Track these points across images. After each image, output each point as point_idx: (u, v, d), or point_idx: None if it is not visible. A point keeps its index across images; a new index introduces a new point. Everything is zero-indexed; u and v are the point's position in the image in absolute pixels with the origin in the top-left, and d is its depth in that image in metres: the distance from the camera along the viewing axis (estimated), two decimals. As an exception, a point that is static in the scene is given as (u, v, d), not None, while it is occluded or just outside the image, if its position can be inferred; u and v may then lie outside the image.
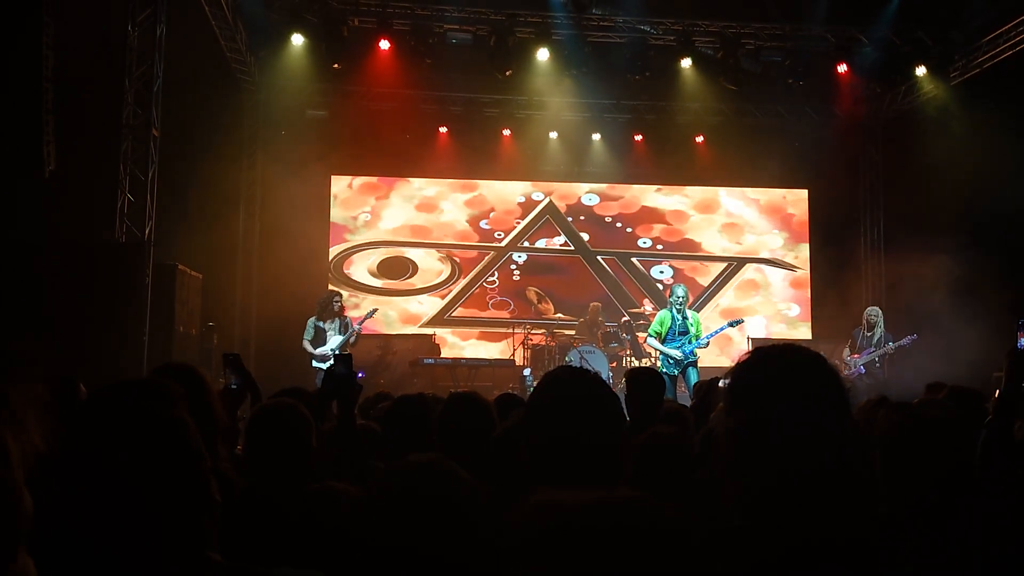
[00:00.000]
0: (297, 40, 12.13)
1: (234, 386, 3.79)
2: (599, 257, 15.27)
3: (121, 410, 1.57)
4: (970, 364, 10.47)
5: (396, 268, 14.80)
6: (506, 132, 14.74)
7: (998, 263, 10.84)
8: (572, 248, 15.25)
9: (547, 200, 15.32)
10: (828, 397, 1.63)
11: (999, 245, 10.98)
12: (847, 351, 10.94)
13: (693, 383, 9.24)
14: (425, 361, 12.53)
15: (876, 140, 15.14)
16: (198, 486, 1.51)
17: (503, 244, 15.10)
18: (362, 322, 10.96)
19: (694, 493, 2.69)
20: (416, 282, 14.81)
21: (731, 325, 11.05)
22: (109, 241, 9.46)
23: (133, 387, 2.00)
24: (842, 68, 12.98)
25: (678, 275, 15.14)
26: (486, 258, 15.04)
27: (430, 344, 13.68)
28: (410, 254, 14.84)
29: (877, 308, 11.14)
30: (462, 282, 14.87)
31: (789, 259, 15.60)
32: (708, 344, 10.08)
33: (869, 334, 10.75)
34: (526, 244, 15.13)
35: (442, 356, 13.37)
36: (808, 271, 15.51)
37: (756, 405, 1.63)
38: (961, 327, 10.67)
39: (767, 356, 1.70)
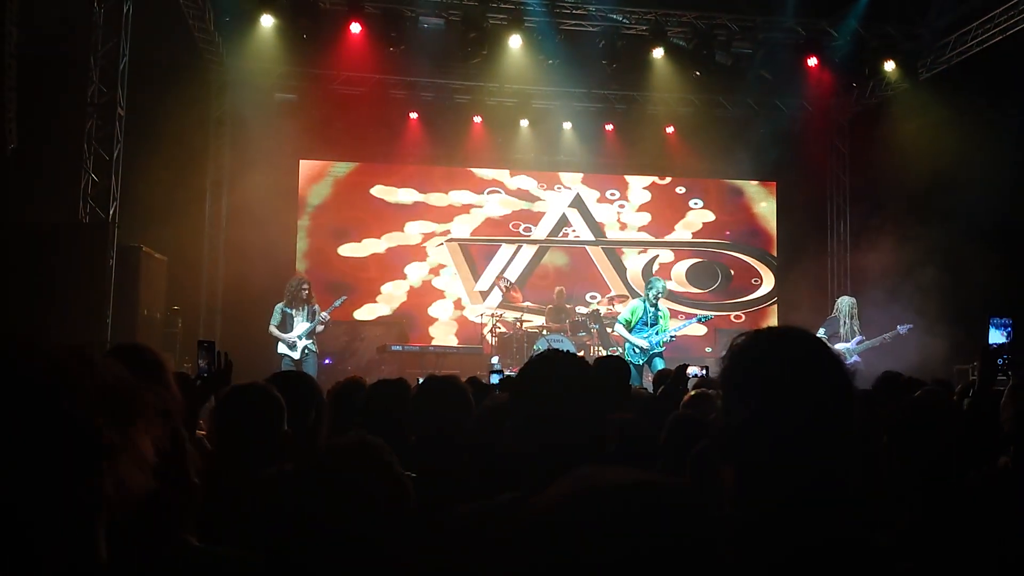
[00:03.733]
0: (267, 21, 11.94)
1: (204, 374, 3.75)
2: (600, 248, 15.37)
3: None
4: (936, 355, 10.65)
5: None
6: (477, 119, 14.67)
7: (965, 255, 10.97)
8: (591, 239, 15.33)
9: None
10: (839, 383, 1.56)
11: (966, 237, 11.11)
12: (824, 338, 10.76)
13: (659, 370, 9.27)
14: (393, 348, 12.46)
15: (844, 133, 15.27)
16: (178, 467, 1.47)
17: (532, 236, 15.15)
18: (330, 310, 10.88)
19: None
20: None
21: (699, 320, 11.07)
22: (72, 221, 9.31)
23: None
24: (812, 61, 13.06)
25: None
26: (502, 249, 15.04)
27: (399, 330, 13.61)
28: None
29: (852, 297, 11.09)
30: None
31: (754, 252, 15.70)
32: (674, 339, 10.11)
33: (848, 323, 10.69)
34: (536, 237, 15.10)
35: (410, 343, 13.31)
36: (775, 263, 15.63)
37: (764, 394, 1.53)
38: (929, 318, 10.81)
39: (771, 343, 1.62)
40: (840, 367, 1.59)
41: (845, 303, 10.89)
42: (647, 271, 15.11)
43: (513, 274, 14.72)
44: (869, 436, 2.87)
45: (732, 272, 15.61)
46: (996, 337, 3.32)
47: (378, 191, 14.77)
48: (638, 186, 15.62)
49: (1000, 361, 3.26)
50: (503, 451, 2.19)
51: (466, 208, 15.02)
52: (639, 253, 15.47)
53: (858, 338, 10.54)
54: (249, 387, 2.81)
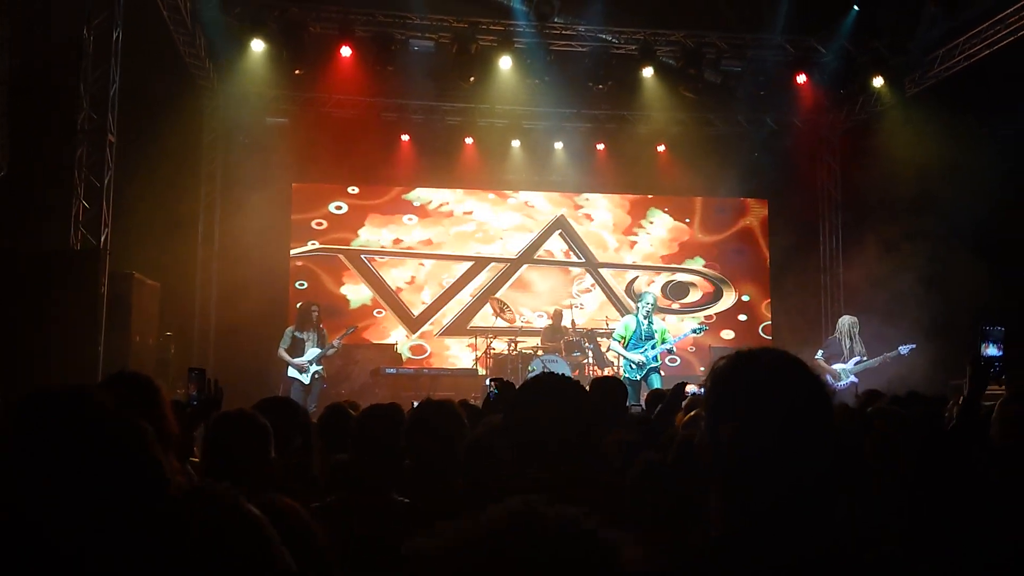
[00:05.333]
0: (257, 46, 11.98)
1: (195, 402, 3.73)
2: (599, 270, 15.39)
3: (71, 417, 1.51)
4: (930, 370, 10.64)
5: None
6: (468, 140, 14.70)
7: (955, 269, 10.99)
8: (581, 260, 15.37)
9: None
10: (816, 403, 1.59)
11: (957, 253, 11.14)
12: (821, 360, 10.57)
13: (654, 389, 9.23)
14: (387, 371, 12.44)
15: (835, 149, 15.33)
16: (156, 496, 1.44)
17: (516, 256, 15.16)
18: (341, 339, 10.95)
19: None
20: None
21: (695, 332, 11.02)
22: (63, 249, 9.26)
23: (81, 393, 1.92)
24: (801, 78, 13.13)
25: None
26: (488, 269, 15.05)
27: (392, 353, 13.58)
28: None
29: (855, 317, 10.85)
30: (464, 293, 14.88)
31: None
32: (673, 349, 10.06)
33: (851, 341, 10.52)
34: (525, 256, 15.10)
35: (404, 366, 13.28)
36: (768, 281, 15.65)
37: (748, 413, 1.57)
38: (922, 333, 10.80)
39: (750, 361, 1.64)
40: (818, 383, 1.62)
41: (845, 323, 10.66)
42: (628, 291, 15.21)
43: (505, 294, 14.70)
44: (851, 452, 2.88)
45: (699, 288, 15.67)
46: (990, 348, 3.30)
47: (371, 221, 14.76)
48: (631, 206, 15.65)
49: (994, 369, 3.25)
50: (498, 475, 2.18)
51: (451, 225, 15.04)
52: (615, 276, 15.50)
53: (856, 359, 10.35)
54: (235, 414, 2.79)
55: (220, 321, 13.17)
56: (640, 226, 15.64)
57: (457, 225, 15.03)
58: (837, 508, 2.20)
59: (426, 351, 14.49)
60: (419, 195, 14.91)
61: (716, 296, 15.61)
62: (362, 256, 14.56)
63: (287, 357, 10.53)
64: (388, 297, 14.54)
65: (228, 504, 1.31)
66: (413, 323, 14.55)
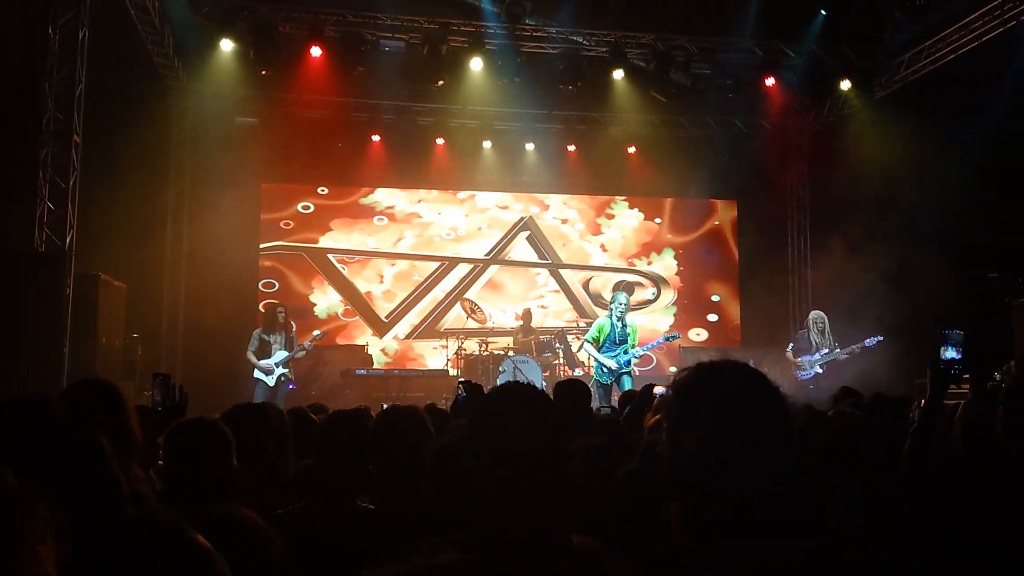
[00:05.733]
0: (226, 46, 11.89)
1: (160, 408, 3.70)
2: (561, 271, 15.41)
3: (26, 428, 1.49)
4: (897, 369, 10.80)
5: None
6: (439, 141, 14.68)
7: (921, 269, 11.14)
8: (548, 262, 15.37)
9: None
10: (775, 414, 1.61)
11: (921, 254, 11.29)
12: (791, 352, 11.02)
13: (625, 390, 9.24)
14: (357, 372, 12.40)
15: (803, 151, 15.47)
16: (114, 514, 1.44)
17: (485, 257, 15.15)
18: (310, 343, 10.91)
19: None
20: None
21: (667, 340, 11.06)
22: (28, 251, 9.16)
23: (39, 403, 1.91)
24: (770, 81, 13.24)
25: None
26: (457, 270, 15.03)
27: (362, 355, 13.53)
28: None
29: (822, 312, 11.19)
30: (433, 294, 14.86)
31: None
32: (642, 356, 10.03)
33: (820, 336, 10.82)
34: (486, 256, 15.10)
35: (375, 367, 13.24)
36: (737, 281, 15.77)
37: (709, 425, 1.58)
38: (889, 333, 10.94)
39: (713, 373, 1.66)
40: (778, 396, 1.63)
41: (811, 317, 11.04)
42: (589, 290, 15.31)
43: (475, 295, 14.69)
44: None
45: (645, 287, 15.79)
46: (948, 351, 3.34)
47: (339, 222, 14.71)
48: (601, 207, 15.71)
49: (953, 371, 3.29)
50: (462, 485, 2.18)
51: (417, 228, 15.04)
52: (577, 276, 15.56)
53: (823, 351, 10.67)
54: (194, 422, 2.77)
55: (188, 322, 13.06)
56: (609, 215, 15.70)
57: (426, 227, 15.01)
58: (822, 511, 2.23)
59: (397, 353, 14.46)
60: (379, 198, 14.85)
61: (656, 294, 15.72)
62: (328, 255, 14.50)
63: (254, 359, 10.49)
64: (356, 299, 14.49)
65: (173, 535, 1.30)
66: (382, 326, 14.51)
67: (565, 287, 15.39)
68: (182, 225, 13.43)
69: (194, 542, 1.35)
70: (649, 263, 15.75)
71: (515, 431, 1.98)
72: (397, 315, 14.60)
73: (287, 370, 10.61)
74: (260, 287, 13.98)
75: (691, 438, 1.59)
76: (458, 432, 3.02)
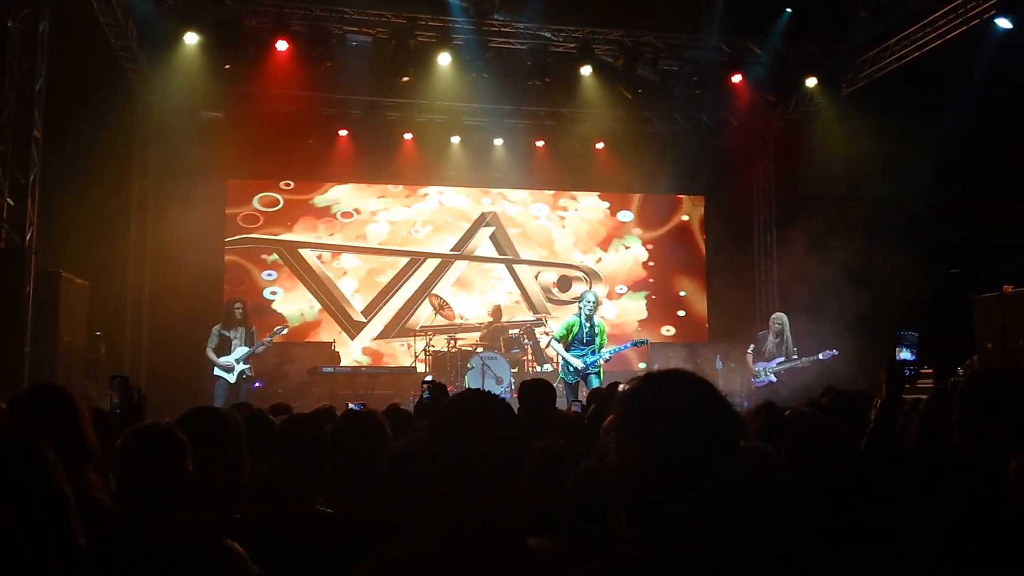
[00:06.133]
0: (191, 39, 11.75)
1: (118, 410, 3.65)
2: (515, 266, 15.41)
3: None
4: (861, 367, 10.91)
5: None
6: (407, 136, 14.63)
7: (887, 267, 11.26)
8: (506, 257, 15.35)
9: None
10: (721, 424, 1.63)
11: (888, 249, 11.42)
12: (751, 356, 11.07)
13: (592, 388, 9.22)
14: (324, 370, 12.33)
15: (770, 148, 15.57)
16: (60, 531, 1.41)
17: (448, 252, 15.12)
18: (271, 337, 10.81)
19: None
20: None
21: (635, 344, 11.13)
22: (-13, 248, 9.02)
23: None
24: (736, 78, 13.31)
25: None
26: (424, 266, 14.99)
27: (329, 352, 13.46)
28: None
29: (783, 315, 11.19)
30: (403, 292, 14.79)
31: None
32: (609, 359, 9.97)
33: (777, 340, 10.86)
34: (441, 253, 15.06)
35: (342, 364, 13.18)
36: (704, 276, 15.87)
37: (655, 436, 1.60)
38: (852, 330, 11.05)
39: (659, 385, 1.68)
40: (725, 406, 1.65)
41: (774, 320, 11.07)
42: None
43: (443, 292, 14.66)
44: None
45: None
46: (903, 352, 3.38)
47: (303, 214, 14.62)
48: (566, 202, 15.74)
49: (907, 372, 3.32)
50: (420, 489, 2.18)
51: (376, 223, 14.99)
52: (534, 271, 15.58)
53: (779, 359, 10.75)
54: (148, 428, 2.74)
55: (152, 320, 12.91)
56: (572, 209, 15.75)
57: (394, 224, 14.95)
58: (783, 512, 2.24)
59: (371, 351, 14.41)
60: (344, 194, 14.80)
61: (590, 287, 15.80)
62: (299, 250, 14.42)
63: (213, 356, 10.39)
64: (329, 297, 14.42)
65: None
66: (352, 324, 14.45)
67: (520, 283, 15.37)
68: (146, 221, 13.26)
69: None
70: (617, 252, 15.79)
71: (475, 438, 1.98)
72: (370, 313, 14.54)
73: (248, 366, 10.50)
74: (226, 284, 13.87)
75: (637, 448, 1.61)
76: (418, 435, 3.01)
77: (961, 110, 11.71)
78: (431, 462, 2.03)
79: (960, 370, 10.86)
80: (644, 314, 15.73)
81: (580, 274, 15.67)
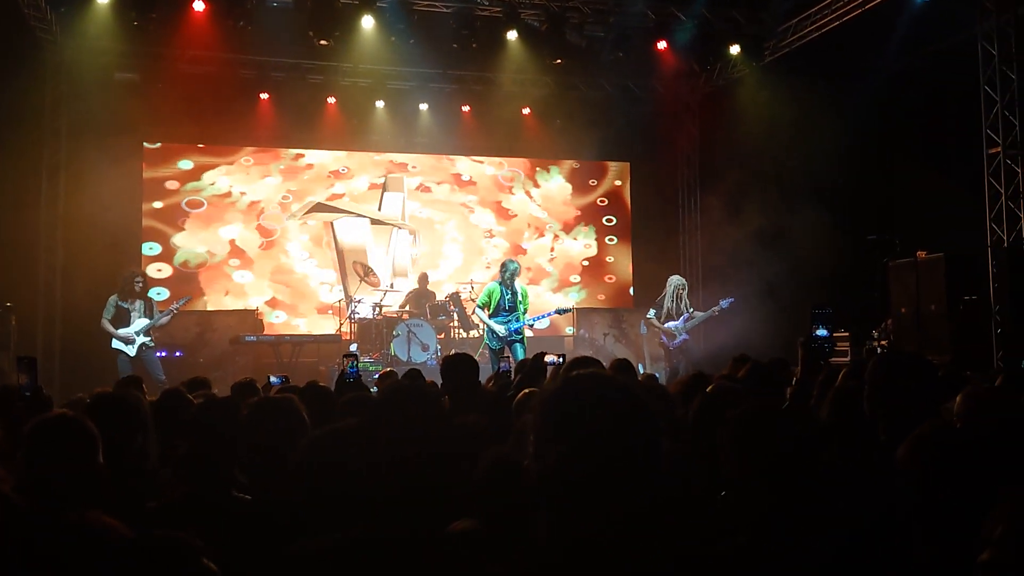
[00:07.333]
0: (102, -2, 11.30)
1: (27, 393, 3.53)
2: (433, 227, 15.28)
3: None
4: (775, 326, 11.19)
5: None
6: (331, 100, 14.36)
7: (806, 232, 11.50)
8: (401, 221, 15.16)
9: (394, 174, 15.22)
10: (639, 426, 1.61)
11: (807, 214, 11.65)
12: (653, 318, 11.17)
13: (519, 359, 9.27)
14: (247, 338, 12.13)
15: (694, 115, 15.70)
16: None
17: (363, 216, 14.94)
18: (176, 307, 10.50)
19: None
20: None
21: (558, 312, 11.14)
22: None
23: None
24: (662, 45, 13.33)
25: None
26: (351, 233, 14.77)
27: (253, 320, 13.23)
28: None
29: (679, 276, 11.48)
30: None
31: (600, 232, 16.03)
32: (533, 326, 10.02)
33: (675, 300, 11.07)
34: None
35: (265, 333, 12.98)
36: (629, 242, 16.01)
37: (576, 445, 1.58)
38: (772, 292, 11.29)
39: (577, 386, 1.66)
40: (644, 407, 1.64)
41: (671, 283, 11.26)
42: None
43: (367, 258, 14.51)
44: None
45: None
46: (819, 330, 3.45)
47: (222, 179, 14.31)
48: (493, 168, 15.69)
49: (825, 348, 3.40)
50: (342, 482, 2.17)
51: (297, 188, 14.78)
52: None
53: (684, 316, 10.97)
54: (55, 419, 2.64)
55: (67, 289, 12.45)
56: (536, 185, 15.77)
57: (319, 184, 14.75)
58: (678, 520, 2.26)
59: (284, 317, 14.24)
60: (267, 157, 14.55)
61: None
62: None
63: (110, 328, 10.03)
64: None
65: None
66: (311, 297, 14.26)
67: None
68: (58, 187, 12.76)
69: None
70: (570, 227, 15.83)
71: (411, 438, 1.99)
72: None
73: (149, 338, 10.18)
74: (143, 251, 13.53)
75: (557, 454, 1.58)
76: (338, 426, 2.96)
77: (880, 78, 11.97)
78: (367, 463, 2.04)
79: (875, 333, 11.21)
80: (579, 279, 15.85)
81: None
